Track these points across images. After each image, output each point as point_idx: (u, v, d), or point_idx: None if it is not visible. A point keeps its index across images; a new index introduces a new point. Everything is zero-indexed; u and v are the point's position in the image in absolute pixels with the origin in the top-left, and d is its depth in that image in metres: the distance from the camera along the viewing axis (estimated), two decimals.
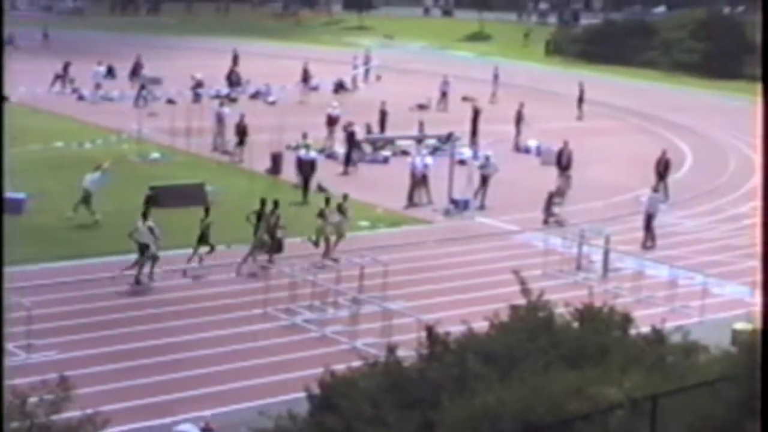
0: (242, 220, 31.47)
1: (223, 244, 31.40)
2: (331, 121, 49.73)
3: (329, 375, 16.79)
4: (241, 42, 79.37)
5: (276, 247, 32.01)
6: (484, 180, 40.52)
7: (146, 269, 29.30)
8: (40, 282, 28.17)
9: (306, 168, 40.31)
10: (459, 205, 39.26)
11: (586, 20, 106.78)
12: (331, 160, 45.90)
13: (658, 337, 17.78)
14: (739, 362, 15.69)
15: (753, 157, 54.83)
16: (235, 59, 68.55)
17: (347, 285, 28.87)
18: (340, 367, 17.23)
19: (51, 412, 14.36)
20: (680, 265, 32.86)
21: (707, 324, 27.59)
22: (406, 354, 17.21)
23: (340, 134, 47.54)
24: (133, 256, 29.40)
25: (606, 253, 33.25)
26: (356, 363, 17.25)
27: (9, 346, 22.22)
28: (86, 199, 34.61)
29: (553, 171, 43.40)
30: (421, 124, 50.48)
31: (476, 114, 52.67)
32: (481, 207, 39.75)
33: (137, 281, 29.13)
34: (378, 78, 73.46)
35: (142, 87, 58.76)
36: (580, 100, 63.55)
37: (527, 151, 51.38)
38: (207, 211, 31.51)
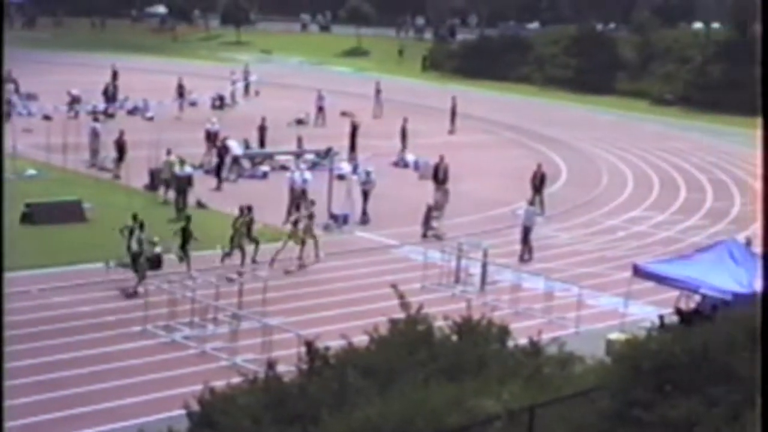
0: (121, 238, 31.16)
1: (101, 261, 31.11)
2: (210, 137, 49.53)
3: (209, 392, 16.74)
4: (119, 57, 78.59)
5: (155, 263, 31.90)
6: (365, 195, 40.75)
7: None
8: None
9: (182, 184, 40.09)
10: (338, 220, 39.41)
11: (462, 36, 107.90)
12: (210, 175, 45.67)
13: (535, 348, 18.02)
14: (612, 372, 16.04)
15: (625, 170, 56.00)
16: (115, 74, 67.83)
17: (227, 301, 28.79)
18: (219, 384, 17.19)
19: None
20: (556, 277, 33.34)
21: (583, 335, 28.12)
22: (286, 369, 17.25)
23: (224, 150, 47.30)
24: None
25: (484, 266, 33.62)
26: (236, 379, 17.23)
27: None
28: None
29: (431, 185, 43.79)
30: (299, 139, 50.55)
31: (354, 129, 52.94)
32: (364, 222, 39.99)
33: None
34: (257, 93, 73.38)
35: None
36: (453, 114, 64.30)
37: (406, 165, 51.74)
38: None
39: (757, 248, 34.72)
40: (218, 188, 44.25)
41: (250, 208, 34.39)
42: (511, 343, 18.31)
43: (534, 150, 58.83)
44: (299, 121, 61.15)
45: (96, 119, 49.68)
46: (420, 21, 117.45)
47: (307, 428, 15.31)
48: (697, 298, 27.92)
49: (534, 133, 65.49)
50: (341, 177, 43.17)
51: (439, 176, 44.02)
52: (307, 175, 41.65)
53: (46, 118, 55.29)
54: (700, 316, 25.74)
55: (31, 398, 22.90)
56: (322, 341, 17.83)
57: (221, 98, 67.36)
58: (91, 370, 24.64)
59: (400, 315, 18.38)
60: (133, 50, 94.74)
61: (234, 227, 33.55)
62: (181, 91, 65.14)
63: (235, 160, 47.40)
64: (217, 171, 45.30)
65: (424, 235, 38.66)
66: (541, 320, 29.14)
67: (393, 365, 16.68)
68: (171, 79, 67.48)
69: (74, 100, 59.13)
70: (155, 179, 42.73)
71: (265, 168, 48.36)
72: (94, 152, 47.19)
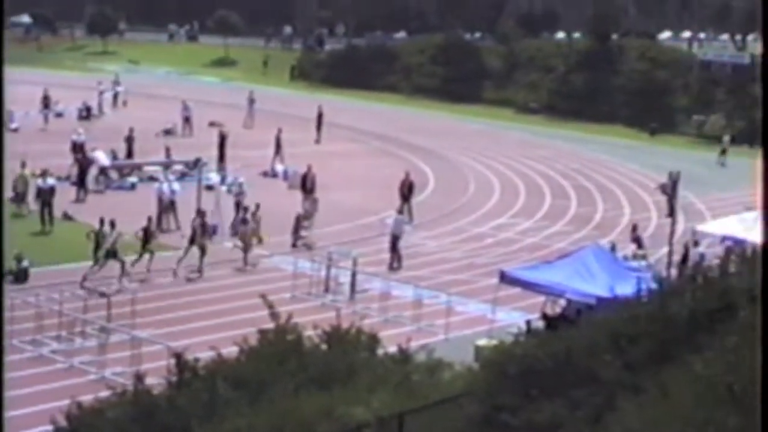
0: None
1: None
2: (76, 148, 48.86)
3: (76, 406, 16.60)
4: None
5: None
6: (238, 205, 40.61)
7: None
8: None
9: (45, 196, 39.52)
10: (207, 231, 39.13)
11: (330, 46, 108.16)
12: (75, 187, 45.03)
13: (404, 356, 18.23)
14: (480, 378, 16.31)
15: (492, 178, 56.74)
16: None
17: (95, 314, 28.48)
18: (88, 398, 17.05)
19: None
20: (425, 285, 33.69)
21: (451, 341, 28.45)
22: (155, 382, 17.18)
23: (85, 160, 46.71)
24: None
25: (353, 275, 33.78)
26: (105, 393, 17.11)
27: None
28: None
29: (300, 195, 43.82)
30: (167, 150, 50.18)
31: (223, 139, 52.67)
32: (235, 234, 39.84)
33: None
34: (125, 103, 72.56)
35: None
36: (320, 123, 64.43)
37: (275, 175, 51.69)
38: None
39: (620, 253, 35.69)
40: (80, 199, 43.69)
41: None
42: (380, 351, 18.50)
43: (402, 159, 59.22)
44: (167, 132, 60.66)
45: None
46: (288, 30, 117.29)
47: None
48: (563, 302, 28.46)
49: (402, 142, 65.95)
50: (210, 188, 42.94)
51: (308, 186, 44.11)
52: (176, 185, 41.39)
53: None
54: (566, 320, 26.23)
55: None
56: (191, 353, 17.81)
57: (88, 109, 66.47)
58: None
59: (270, 325, 18.44)
60: None
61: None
62: (46, 102, 64.10)
63: (103, 171, 46.85)
64: (80, 182, 44.69)
65: (294, 245, 38.72)
66: (410, 328, 29.44)
67: (263, 376, 16.73)
68: (37, 90, 66.30)
69: None
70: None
71: (133, 179, 47.88)
72: None
